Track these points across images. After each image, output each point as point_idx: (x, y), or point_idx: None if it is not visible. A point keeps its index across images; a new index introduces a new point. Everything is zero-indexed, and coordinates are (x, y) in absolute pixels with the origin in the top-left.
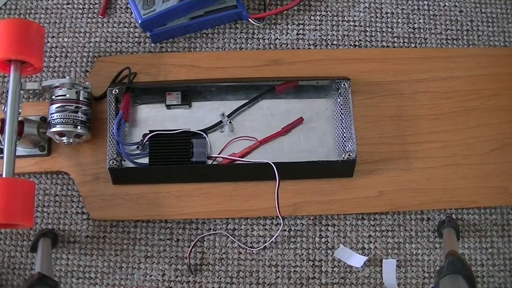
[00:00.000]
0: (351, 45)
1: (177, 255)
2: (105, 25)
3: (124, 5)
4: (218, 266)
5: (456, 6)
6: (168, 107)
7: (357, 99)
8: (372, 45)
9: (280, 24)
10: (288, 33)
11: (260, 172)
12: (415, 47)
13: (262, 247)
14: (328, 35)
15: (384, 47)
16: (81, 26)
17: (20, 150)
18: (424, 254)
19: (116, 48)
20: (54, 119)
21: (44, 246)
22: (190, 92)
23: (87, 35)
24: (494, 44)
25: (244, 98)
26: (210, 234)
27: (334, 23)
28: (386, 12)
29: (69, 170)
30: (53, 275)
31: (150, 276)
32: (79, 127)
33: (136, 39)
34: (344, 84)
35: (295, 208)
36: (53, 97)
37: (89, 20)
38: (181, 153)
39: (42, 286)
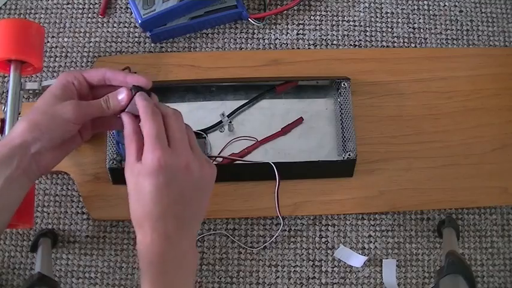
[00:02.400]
0: (350, 45)
1: None
2: (105, 25)
3: (124, 5)
4: (218, 266)
5: (456, 6)
6: None
7: (357, 99)
8: (372, 45)
9: (280, 24)
10: (288, 33)
11: (260, 172)
12: (415, 46)
13: (262, 247)
14: (328, 35)
15: (383, 46)
16: (81, 26)
17: None
18: (424, 254)
19: (116, 48)
20: None
21: (44, 246)
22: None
23: (87, 35)
24: (494, 44)
25: (244, 98)
26: (210, 234)
27: (334, 23)
28: (386, 12)
29: (69, 170)
30: (53, 275)
31: None
32: None
33: (136, 39)
34: (344, 84)
35: (295, 208)
36: None
37: (89, 20)
38: None
39: (42, 286)
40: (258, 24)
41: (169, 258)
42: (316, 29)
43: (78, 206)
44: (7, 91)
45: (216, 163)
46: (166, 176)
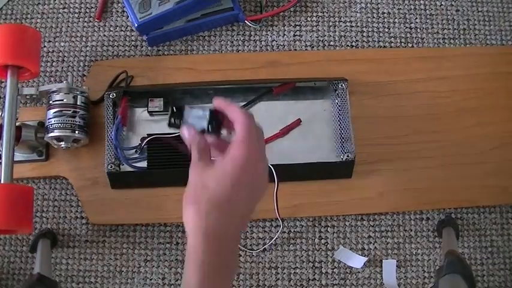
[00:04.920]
0: (348, 45)
1: (176, 259)
2: (101, 29)
3: (120, 9)
4: None
5: (452, 5)
6: (151, 113)
7: (355, 99)
8: (369, 46)
9: (276, 26)
10: (284, 34)
11: None
12: (412, 46)
13: (262, 249)
14: (325, 36)
15: (381, 47)
16: (78, 30)
17: (18, 156)
18: (424, 254)
19: (113, 52)
20: (51, 124)
21: (43, 246)
22: (173, 99)
23: (84, 39)
24: (491, 43)
25: (241, 100)
26: None
27: (330, 24)
28: (383, 13)
29: (67, 175)
30: (52, 276)
31: (150, 280)
32: (77, 132)
33: (133, 43)
34: (341, 85)
35: (295, 210)
36: (51, 102)
37: (86, 24)
38: (180, 156)
39: (41, 287)
40: (255, 26)
41: (219, 241)
42: (313, 30)
43: (77, 211)
44: (4, 96)
45: None
46: (248, 164)
